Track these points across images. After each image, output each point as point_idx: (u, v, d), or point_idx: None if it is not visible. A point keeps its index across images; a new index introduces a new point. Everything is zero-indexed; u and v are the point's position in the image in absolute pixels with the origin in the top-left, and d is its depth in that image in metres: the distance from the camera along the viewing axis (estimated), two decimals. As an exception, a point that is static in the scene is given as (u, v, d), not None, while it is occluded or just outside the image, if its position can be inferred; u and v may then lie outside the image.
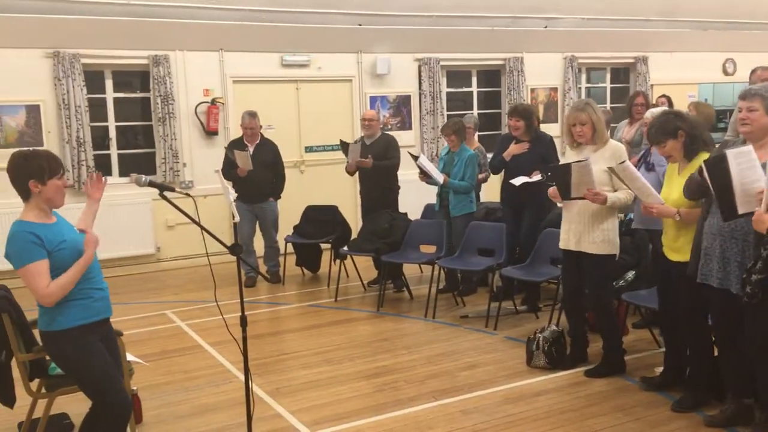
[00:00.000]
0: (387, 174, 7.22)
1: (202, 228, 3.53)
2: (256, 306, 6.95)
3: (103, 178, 3.80)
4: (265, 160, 7.54)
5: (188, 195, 3.58)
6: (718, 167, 3.37)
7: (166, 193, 3.50)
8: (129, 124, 8.83)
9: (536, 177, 6.25)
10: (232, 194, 3.58)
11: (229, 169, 7.48)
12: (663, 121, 4.22)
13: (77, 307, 3.23)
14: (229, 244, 3.54)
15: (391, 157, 7.20)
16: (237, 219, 3.39)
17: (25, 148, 3.57)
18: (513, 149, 6.47)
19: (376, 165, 7.07)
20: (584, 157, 4.66)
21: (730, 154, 3.34)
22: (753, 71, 6.64)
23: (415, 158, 6.86)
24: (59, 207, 3.32)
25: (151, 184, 3.50)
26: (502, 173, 6.69)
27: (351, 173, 7.46)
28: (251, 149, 7.55)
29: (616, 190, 4.62)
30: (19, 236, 3.13)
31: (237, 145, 7.62)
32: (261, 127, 7.70)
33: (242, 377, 4.99)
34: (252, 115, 7.60)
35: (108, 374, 3.34)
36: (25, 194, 3.23)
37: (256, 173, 7.43)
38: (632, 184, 4.25)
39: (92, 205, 3.73)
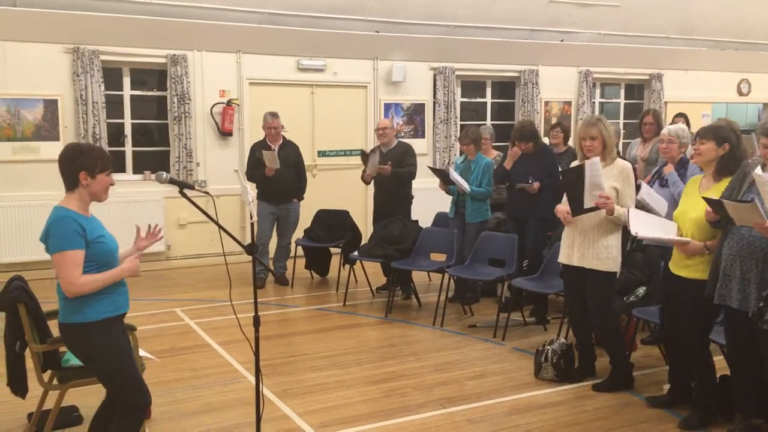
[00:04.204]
0: (402, 182, 7.25)
1: (220, 227, 3.57)
2: (264, 307, 6.95)
3: (160, 232, 3.74)
4: (288, 161, 7.57)
5: (207, 193, 3.61)
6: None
7: (186, 191, 3.54)
8: (145, 122, 8.89)
9: (534, 184, 6.37)
10: (251, 194, 3.62)
11: (253, 171, 7.53)
12: (720, 126, 4.21)
13: (105, 299, 3.27)
14: (244, 244, 3.56)
15: (408, 165, 7.23)
16: (255, 219, 3.42)
17: (81, 141, 3.59)
18: (511, 156, 6.56)
19: (393, 172, 7.10)
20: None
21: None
22: None
23: (445, 174, 6.85)
24: (102, 201, 3.40)
25: (172, 182, 3.54)
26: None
27: (367, 182, 7.48)
28: (276, 149, 7.58)
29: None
30: (63, 221, 3.17)
31: (261, 146, 7.63)
32: (283, 127, 7.73)
33: (250, 377, 5.05)
34: (274, 115, 7.63)
35: (132, 366, 3.39)
36: (72, 184, 3.28)
37: (282, 173, 7.46)
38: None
39: (133, 252, 3.68)
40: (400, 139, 7.64)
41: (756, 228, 3.61)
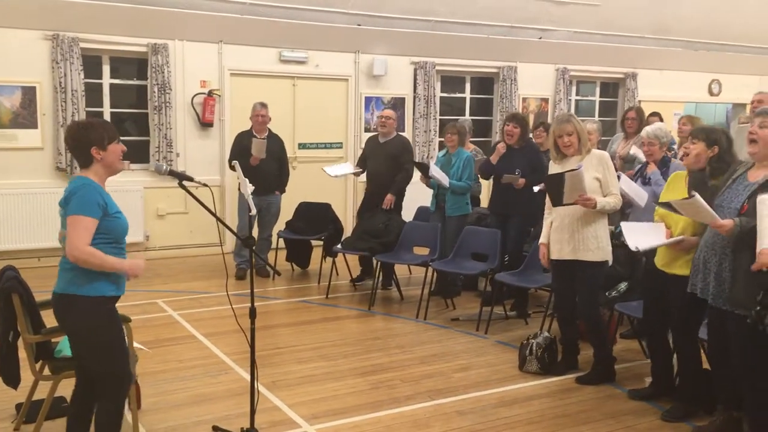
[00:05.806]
0: (401, 182, 7.33)
1: (218, 219, 3.59)
2: (246, 299, 6.90)
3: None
4: (273, 153, 7.56)
5: (205, 185, 3.61)
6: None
7: (186, 183, 3.55)
8: (124, 111, 8.79)
9: (520, 179, 6.44)
10: (250, 187, 3.65)
11: (237, 159, 7.49)
12: (713, 128, 4.29)
13: (112, 277, 3.27)
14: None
15: (405, 162, 7.27)
16: (254, 212, 3.45)
17: (82, 119, 3.54)
18: (497, 151, 6.61)
19: (395, 191, 7.21)
20: (575, 166, 4.76)
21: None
22: None
23: (426, 167, 6.89)
24: (119, 172, 3.39)
25: (172, 173, 3.55)
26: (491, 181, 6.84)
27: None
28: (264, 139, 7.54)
29: (605, 196, 4.77)
30: (90, 188, 3.18)
31: (247, 135, 7.60)
32: (270, 119, 7.72)
33: (237, 369, 5.08)
34: (263, 104, 7.62)
35: (125, 349, 3.40)
36: (86, 161, 3.28)
37: (266, 165, 7.46)
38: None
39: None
40: (399, 133, 7.67)
41: (713, 227, 3.76)
